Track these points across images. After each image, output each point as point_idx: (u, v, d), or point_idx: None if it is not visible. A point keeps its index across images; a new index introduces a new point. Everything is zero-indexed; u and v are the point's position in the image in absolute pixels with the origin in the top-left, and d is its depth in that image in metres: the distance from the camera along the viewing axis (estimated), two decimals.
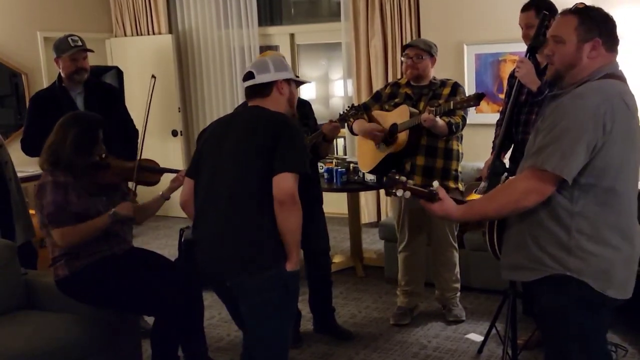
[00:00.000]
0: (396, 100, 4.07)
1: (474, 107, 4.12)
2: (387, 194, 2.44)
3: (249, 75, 2.82)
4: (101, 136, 3.33)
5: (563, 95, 2.22)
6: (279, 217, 2.58)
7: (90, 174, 3.30)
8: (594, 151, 2.12)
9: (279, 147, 2.60)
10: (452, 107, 3.67)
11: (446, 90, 3.99)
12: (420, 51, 3.97)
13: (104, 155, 3.35)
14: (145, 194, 3.81)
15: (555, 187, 2.16)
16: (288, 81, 2.86)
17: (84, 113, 3.42)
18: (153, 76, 3.67)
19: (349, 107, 4.06)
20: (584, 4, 2.32)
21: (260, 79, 2.80)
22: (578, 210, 2.18)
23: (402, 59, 4.07)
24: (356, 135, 4.22)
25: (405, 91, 4.07)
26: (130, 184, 3.58)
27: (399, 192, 2.38)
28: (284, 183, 2.56)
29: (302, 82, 3.12)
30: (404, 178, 2.40)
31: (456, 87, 4.01)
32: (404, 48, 4.12)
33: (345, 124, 4.18)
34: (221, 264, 2.72)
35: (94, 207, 3.24)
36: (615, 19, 2.30)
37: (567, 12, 2.28)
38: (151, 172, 3.61)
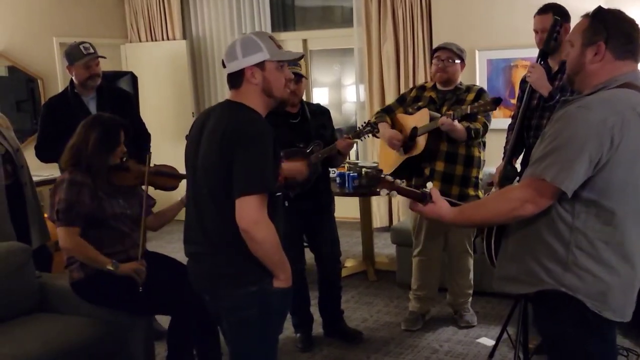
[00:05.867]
0: (420, 103, 4.05)
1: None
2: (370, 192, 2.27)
3: (223, 64, 2.45)
4: (123, 138, 3.37)
5: (574, 102, 2.05)
6: (249, 245, 2.28)
7: (110, 176, 3.34)
8: (598, 166, 1.95)
9: (235, 163, 2.26)
10: (469, 111, 3.65)
11: (470, 96, 3.95)
12: (452, 54, 3.95)
13: (124, 158, 3.39)
14: (165, 200, 3.83)
15: (554, 200, 2.01)
16: (262, 65, 2.37)
17: (106, 115, 3.45)
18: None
19: (364, 123, 4.03)
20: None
21: (230, 68, 2.40)
22: (578, 225, 2.02)
23: (433, 61, 4.03)
24: (379, 138, 4.21)
25: (430, 95, 4.05)
26: (151, 191, 3.59)
27: (383, 192, 2.26)
28: (244, 210, 2.24)
29: (288, 60, 2.49)
30: (390, 178, 2.27)
31: (481, 93, 3.96)
32: (434, 50, 4.09)
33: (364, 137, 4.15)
34: (199, 280, 2.53)
35: (110, 208, 3.28)
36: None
37: (585, 14, 2.11)
38: (167, 177, 3.60)
